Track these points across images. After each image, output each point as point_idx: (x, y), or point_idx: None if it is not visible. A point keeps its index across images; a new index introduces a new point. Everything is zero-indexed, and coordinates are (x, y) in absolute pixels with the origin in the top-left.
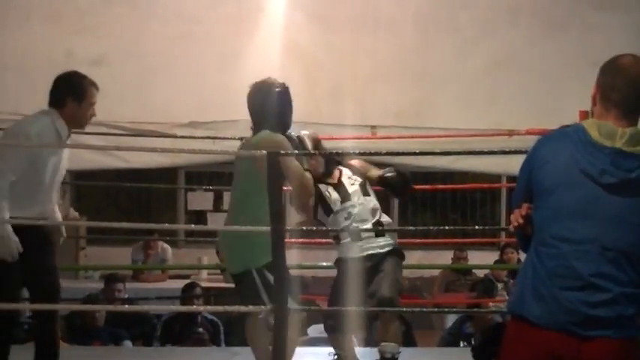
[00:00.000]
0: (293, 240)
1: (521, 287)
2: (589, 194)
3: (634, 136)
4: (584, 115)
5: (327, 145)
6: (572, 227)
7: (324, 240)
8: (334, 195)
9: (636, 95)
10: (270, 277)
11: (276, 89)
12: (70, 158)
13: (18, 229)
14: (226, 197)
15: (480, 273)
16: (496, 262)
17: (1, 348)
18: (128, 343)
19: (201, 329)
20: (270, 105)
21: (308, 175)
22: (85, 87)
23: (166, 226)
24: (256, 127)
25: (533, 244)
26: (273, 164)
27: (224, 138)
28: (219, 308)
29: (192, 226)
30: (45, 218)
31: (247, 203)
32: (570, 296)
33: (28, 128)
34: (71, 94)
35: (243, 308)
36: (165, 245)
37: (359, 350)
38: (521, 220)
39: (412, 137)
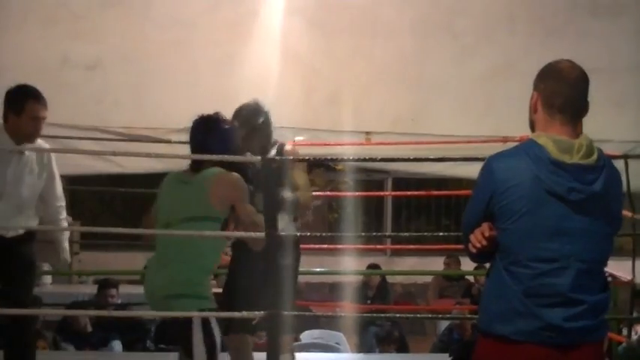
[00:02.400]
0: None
1: (495, 306)
2: (559, 212)
3: (588, 147)
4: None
5: (323, 151)
6: (547, 247)
7: (316, 246)
8: None
9: (579, 98)
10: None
11: (224, 126)
12: (64, 163)
13: None
14: None
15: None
16: (476, 268)
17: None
18: (118, 347)
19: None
20: (215, 144)
21: (260, 216)
22: (24, 101)
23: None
24: (197, 163)
25: (501, 264)
26: (269, 170)
27: None
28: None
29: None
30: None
31: (194, 248)
32: (551, 313)
33: None
34: (11, 108)
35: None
36: None
37: None
38: (484, 242)
39: (405, 144)
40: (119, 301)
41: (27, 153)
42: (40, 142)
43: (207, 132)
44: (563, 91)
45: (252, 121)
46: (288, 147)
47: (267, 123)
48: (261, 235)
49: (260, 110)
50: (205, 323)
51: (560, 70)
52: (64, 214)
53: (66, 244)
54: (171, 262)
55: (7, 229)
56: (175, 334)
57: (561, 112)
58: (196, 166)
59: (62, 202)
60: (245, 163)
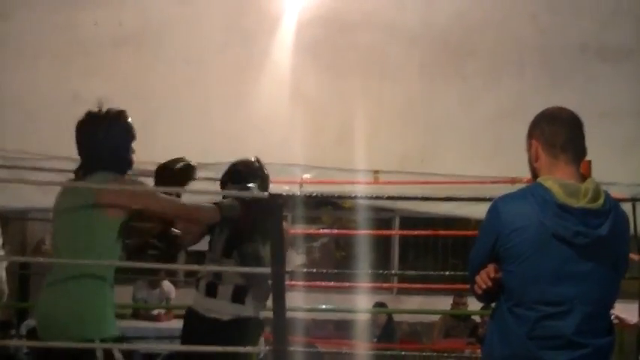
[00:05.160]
0: (293, 283)
1: (498, 347)
2: (564, 256)
3: (595, 191)
4: (587, 165)
5: (331, 189)
6: (551, 290)
7: (323, 283)
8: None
9: (579, 133)
10: (117, 354)
11: (111, 120)
12: None
13: None
14: None
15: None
16: (483, 307)
17: None
18: None
19: None
20: (103, 140)
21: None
22: None
23: (166, 266)
24: (86, 166)
25: (505, 305)
26: (275, 205)
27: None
28: (219, 348)
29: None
30: None
31: (88, 258)
32: (554, 356)
33: None
34: None
35: (244, 349)
36: (169, 284)
37: None
38: (490, 283)
39: (413, 183)
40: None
41: None
42: None
43: (95, 131)
44: (561, 130)
45: (247, 181)
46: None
47: (265, 180)
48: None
49: (255, 172)
50: (108, 356)
51: (551, 113)
52: None
53: (3, 274)
54: (65, 281)
55: None
56: None
57: (564, 150)
58: (84, 172)
59: None
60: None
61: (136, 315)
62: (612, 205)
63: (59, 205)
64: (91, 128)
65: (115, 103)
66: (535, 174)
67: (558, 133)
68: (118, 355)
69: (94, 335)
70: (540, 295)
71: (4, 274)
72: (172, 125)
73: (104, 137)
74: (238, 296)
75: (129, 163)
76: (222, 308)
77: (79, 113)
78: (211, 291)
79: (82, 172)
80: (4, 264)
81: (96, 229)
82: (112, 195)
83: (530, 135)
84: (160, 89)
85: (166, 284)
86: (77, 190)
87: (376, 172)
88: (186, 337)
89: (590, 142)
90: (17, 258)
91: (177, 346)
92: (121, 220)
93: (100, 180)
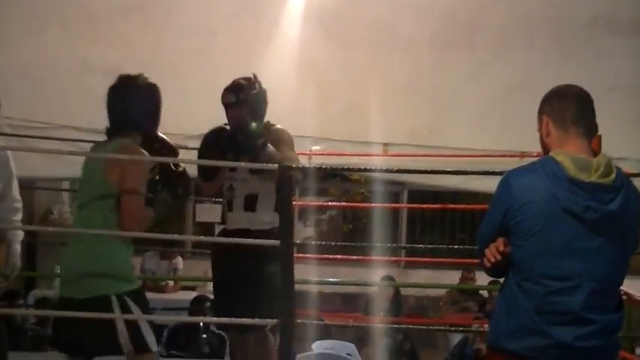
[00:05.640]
0: (300, 255)
1: (505, 322)
2: (573, 231)
3: (607, 166)
4: (597, 140)
5: (339, 161)
6: (559, 265)
7: (331, 256)
8: None
9: (588, 109)
10: (133, 306)
11: (144, 87)
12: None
13: None
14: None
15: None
16: (490, 282)
17: None
18: None
19: (205, 342)
20: (136, 106)
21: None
22: None
23: (174, 236)
24: (114, 129)
25: (514, 280)
26: (284, 178)
27: None
28: (226, 320)
29: (201, 237)
30: None
31: (101, 220)
32: (561, 331)
33: None
34: None
35: (250, 321)
36: (178, 256)
37: None
38: (499, 257)
39: (423, 156)
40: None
41: None
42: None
43: (123, 96)
44: (571, 105)
45: (246, 90)
46: (278, 126)
47: (260, 96)
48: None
49: (254, 83)
50: (124, 307)
51: (560, 89)
52: (19, 216)
53: (17, 247)
54: (83, 240)
55: None
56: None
57: (574, 123)
58: (111, 132)
59: (19, 204)
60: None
61: (144, 286)
62: (624, 181)
63: (84, 167)
64: (120, 91)
65: (122, 71)
66: (546, 150)
67: (568, 107)
68: (134, 307)
69: (110, 291)
70: (548, 270)
71: (18, 247)
72: (180, 94)
73: (133, 100)
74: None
75: (156, 124)
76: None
77: (87, 82)
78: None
79: (107, 134)
80: (20, 236)
81: (105, 195)
82: (116, 165)
83: (541, 111)
84: (168, 58)
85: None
86: (95, 158)
87: (385, 144)
88: (233, 257)
89: (599, 117)
90: (27, 227)
91: (185, 318)
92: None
93: (113, 147)
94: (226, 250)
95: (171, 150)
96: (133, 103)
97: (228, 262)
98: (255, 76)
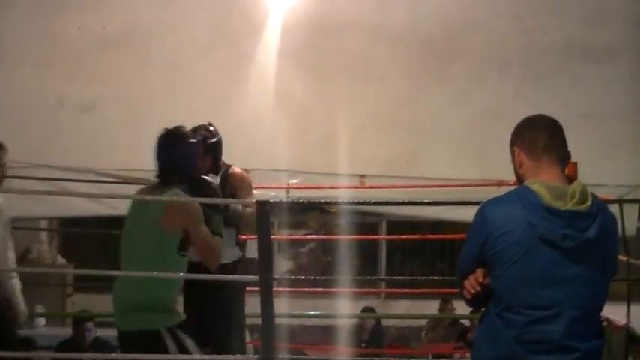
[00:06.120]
0: (280, 289)
1: (486, 352)
2: (552, 259)
3: (582, 194)
4: (573, 167)
5: (317, 194)
6: (539, 294)
7: (310, 289)
8: None
9: (559, 135)
10: (183, 337)
11: (189, 141)
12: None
13: None
14: None
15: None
16: (471, 311)
17: None
18: None
19: None
20: (182, 157)
21: (216, 239)
22: None
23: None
24: (163, 176)
25: (494, 310)
26: (263, 214)
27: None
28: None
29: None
30: None
31: (158, 259)
32: None
33: None
34: None
35: (233, 357)
36: None
37: None
38: (478, 288)
39: (399, 187)
40: (97, 334)
41: None
42: None
43: (173, 146)
44: (541, 134)
45: (207, 140)
46: (235, 170)
47: (219, 144)
48: (217, 258)
49: (214, 132)
50: (175, 337)
51: (530, 120)
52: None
53: (17, 289)
54: (137, 278)
55: None
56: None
57: (546, 152)
58: (162, 183)
59: (13, 252)
60: (206, 183)
61: None
62: (600, 207)
63: (135, 213)
64: (168, 143)
65: (100, 107)
66: (521, 180)
67: (539, 137)
68: (188, 341)
69: (160, 325)
70: (528, 299)
71: (18, 289)
72: (157, 129)
73: (179, 153)
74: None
75: (195, 176)
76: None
77: (64, 118)
78: None
79: (159, 183)
80: (18, 281)
81: (159, 240)
82: (174, 214)
83: (513, 143)
84: (144, 93)
85: None
86: (148, 205)
87: (362, 176)
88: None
89: (575, 144)
90: (21, 269)
91: None
92: (179, 234)
93: (171, 195)
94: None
95: (212, 187)
96: (181, 154)
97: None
98: (210, 124)
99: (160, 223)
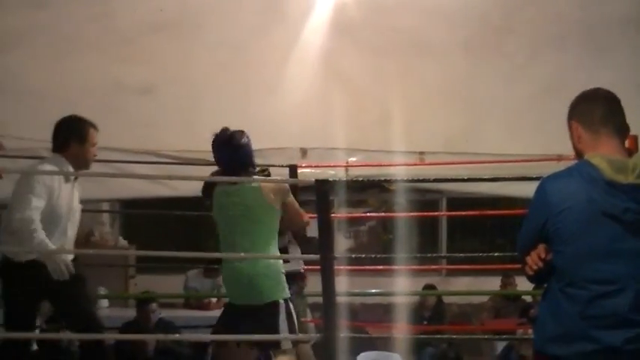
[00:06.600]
0: (341, 267)
1: (550, 327)
2: (614, 234)
3: None
4: (633, 140)
5: (376, 172)
6: (602, 268)
7: (371, 267)
8: None
9: (616, 110)
10: (292, 308)
11: (246, 141)
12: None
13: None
14: None
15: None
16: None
17: None
18: None
19: None
20: (243, 157)
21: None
22: (86, 129)
23: (215, 254)
24: (231, 172)
25: (557, 286)
26: (322, 192)
27: (271, 165)
28: (268, 337)
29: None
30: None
31: (270, 240)
32: (609, 336)
33: (37, 175)
34: (73, 137)
35: (293, 337)
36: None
37: None
38: (540, 264)
39: (459, 163)
40: (160, 315)
41: (73, 180)
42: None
43: (236, 148)
44: (598, 107)
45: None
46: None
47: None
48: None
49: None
50: (287, 308)
51: (586, 93)
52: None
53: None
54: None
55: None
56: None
57: (603, 124)
58: (236, 173)
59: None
60: None
61: (188, 305)
62: None
63: (228, 201)
64: (230, 142)
65: (156, 90)
66: (580, 155)
67: (596, 109)
68: (294, 313)
69: (280, 296)
70: (592, 274)
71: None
72: (212, 110)
73: (241, 149)
74: None
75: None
76: None
77: (122, 101)
78: None
79: (231, 173)
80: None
81: (273, 216)
82: (275, 190)
83: (570, 118)
84: (199, 74)
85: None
86: (243, 189)
87: (421, 153)
88: None
89: (635, 118)
90: (77, 250)
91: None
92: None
93: (258, 181)
94: None
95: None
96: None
97: None
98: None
99: (267, 200)
